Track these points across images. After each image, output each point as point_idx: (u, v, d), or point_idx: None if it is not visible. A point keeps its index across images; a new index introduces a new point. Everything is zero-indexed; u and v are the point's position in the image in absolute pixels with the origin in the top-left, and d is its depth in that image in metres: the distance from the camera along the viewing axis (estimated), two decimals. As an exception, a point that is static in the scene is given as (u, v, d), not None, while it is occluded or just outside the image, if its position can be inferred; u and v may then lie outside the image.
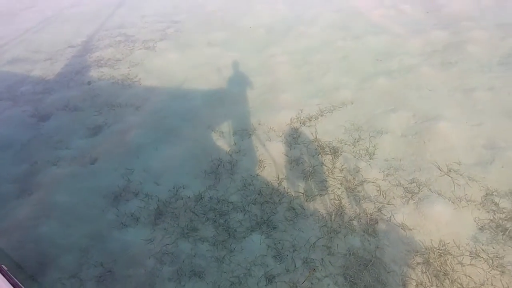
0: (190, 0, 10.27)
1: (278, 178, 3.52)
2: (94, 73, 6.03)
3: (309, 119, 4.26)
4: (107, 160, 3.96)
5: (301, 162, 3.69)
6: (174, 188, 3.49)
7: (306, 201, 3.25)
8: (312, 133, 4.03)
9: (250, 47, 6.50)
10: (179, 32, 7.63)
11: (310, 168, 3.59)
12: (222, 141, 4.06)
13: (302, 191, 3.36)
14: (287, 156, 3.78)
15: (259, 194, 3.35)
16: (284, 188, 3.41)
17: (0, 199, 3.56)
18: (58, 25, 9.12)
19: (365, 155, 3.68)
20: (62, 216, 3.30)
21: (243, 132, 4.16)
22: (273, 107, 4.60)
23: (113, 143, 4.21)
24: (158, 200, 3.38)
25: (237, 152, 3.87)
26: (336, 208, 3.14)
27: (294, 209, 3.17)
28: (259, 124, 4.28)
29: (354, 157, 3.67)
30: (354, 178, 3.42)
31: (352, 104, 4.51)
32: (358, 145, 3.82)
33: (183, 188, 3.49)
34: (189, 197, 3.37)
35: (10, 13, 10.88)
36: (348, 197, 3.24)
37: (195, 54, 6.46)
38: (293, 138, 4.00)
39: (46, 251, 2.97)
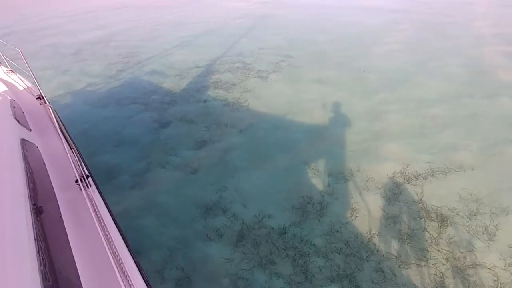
0: (305, 37, 10.78)
1: (370, 232, 3.23)
2: (211, 93, 6.77)
3: (416, 177, 3.84)
4: (206, 174, 4.30)
5: (399, 222, 3.32)
6: (259, 215, 3.54)
7: (399, 266, 2.87)
8: (417, 193, 3.61)
9: (360, 90, 6.36)
10: (291, 66, 8.02)
11: (409, 231, 3.20)
12: (316, 180, 3.98)
13: (395, 253, 2.99)
14: (384, 211, 3.45)
15: (345, 244, 3.12)
16: (375, 245, 3.10)
17: (119, 187, 4.19)
18: (192, 48, 10.67)
19: (483, 233, 3.09)
20: (160, 214, 3.68)
21: (340, 175, 4.00)
22: (376, 156, 4.33)
23: (214, 159, 4.57)
24: (243, 223, 3.46)
25: (329, 194, 3.72)
26: (436, 286, 2.68)
27: (383, 271, 2.83)
28: (358, 170, 4.06)
29: (468, 232, 3.12)
30: (465, 258, 2.89)
31: (472, 170, 3.90)
32: (475, 219, 3.24)
33: (268, 218, 3.51)
34: (272, 228, 3.36)
35: (179, 23, 13.29)
36: (454, 278, 2.74)
37: (303, 89, 6.65)
38: (394, 194, 3.65)
39: (141, 241, 3.33)
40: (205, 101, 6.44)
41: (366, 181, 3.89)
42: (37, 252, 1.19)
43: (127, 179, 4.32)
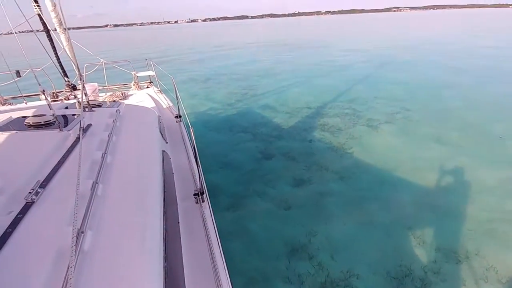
0: (430, 91, 9.97)
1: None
2: (316, 134, 6.84)
3: None
4: (299, 213, 4.27)
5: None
6: (347, 272, 3.28)
7: None
8: None
9: (492, 159, 5.42)
10: (407, 120, 7.48)
11: None
12: (421, 251, 3.49)
13: None
14: (508, 316, 2.75)
15: None
16: None
17: (216, 205, 4.53)
18: (305, 88, 11.14)
19: None
20: (247, 242, 3.79)
21: (451, 254, 3.41)
22: (505, 242, 3.55)
23: (309, 200, 4.52)
24: (328, 276, 3.26)
25: (435, 273, 3.19)
26: None
27: None
28: (476, 254, 3.39)
29: None
30: None
31: None
32: None
33: (357, 278, 3.21)
34: (359, 292, 3.06)
35: (346, 65, 14.40)
36: None
37: (418, 145, 6.08)
38: (526, 297, 2.89)
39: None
40: (310, 141, 6.54)
41: (487, 269, 3.20)
42: (164, 251, 1.39)
43: (225, 200, 4.64)
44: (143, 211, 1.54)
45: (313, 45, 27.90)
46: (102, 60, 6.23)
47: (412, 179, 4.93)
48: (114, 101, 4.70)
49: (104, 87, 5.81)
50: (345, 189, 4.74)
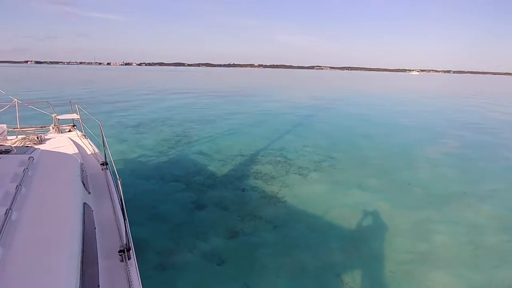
0: (350, 141, 11.08)
1: None
2: (250, 183, 6.90)
3: (471, 321, 3.27)
4: (232, 267, 4.08)
5: None
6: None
7: None
8: None
9: (404, 204, 6.07)
10: (332, 168, 8.08)
11: None
12: (350, 299, 3.56)
13: None
14: None
15: None
16: None
17: (142, 263, 4.07)
18: (239, 136, 11.42)
19: None
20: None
21: (377, 300, 3.55)
22: (420, 282, 3.85)
23: (243, 253, 4.37)
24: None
25: (364, 322, 3.25)
26: None
27: None
28: (399, 297, 3.59)
29: None
30: None
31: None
32: None
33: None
34: None
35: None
36: None
37: (343, 193, 6.53)
38: (443, 338, 3.09)
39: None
40: (243, 189, 6.54)
41: (409, 313, 3.38)
42: None
43: (152, 257, 4.23)
44: (52, 279, 1.29)
45: (246, 94, 29.42)
46: (14, 99, 5.58)
47: (339, 225, 5.19)
48: (27, 146, 4.15)
49: (15, 129, 5.13)
50: (278, 239, 4.74)
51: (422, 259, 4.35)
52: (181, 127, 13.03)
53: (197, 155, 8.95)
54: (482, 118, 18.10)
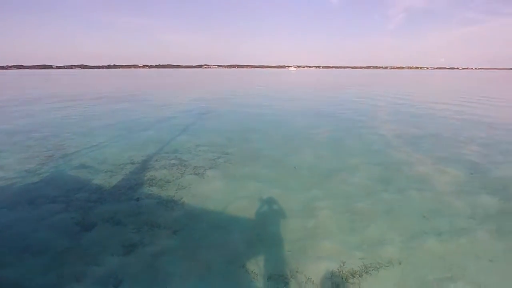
0: (241, 136, 11.57)
1: None
2: (144, 190, 6.45)
3: (352, 275, 3.87)
4: (132, 285, 3.74)
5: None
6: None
7: None
8: (356, 293, 3.59)
9: (294, 187, 6.71)
10: (228, 163, 8.28)
11: None
12: (256, 285, 3.73)
13: None
14: (326, 318, 3.29)
15: None
16: None
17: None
18: (127, 142, 10.49)
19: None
20: None
21: (280, 278, 3.83)
22: (313, 255, 4.33)
23: (143, 267, 4.06)
24: None
25: (270, 302, 3.47)
26: None
27: None
28: (296, 271, 3.96)
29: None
30: None
31: (400, 264, 4.11)
32: (412, 319, 3.26)
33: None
34: None
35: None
36: None
37: (240, 186, 6.77)
38: (334, 296, 3.57)
39: None
40: (137, 199, 6.06)
41: (306, 283, 3.77)
42: None
43: (28, 301, 3.50)
44: None
45: (131, 98, 27.29)
46: None
47: (240, 218, 5.38)
48: None
49: None
50: (180, 243, 4.59)
51: (312, 234, 4.90)
52: (53, 139, 11.15)
53: (77, 169, 7.82)
54: (346, 105, 21.54)
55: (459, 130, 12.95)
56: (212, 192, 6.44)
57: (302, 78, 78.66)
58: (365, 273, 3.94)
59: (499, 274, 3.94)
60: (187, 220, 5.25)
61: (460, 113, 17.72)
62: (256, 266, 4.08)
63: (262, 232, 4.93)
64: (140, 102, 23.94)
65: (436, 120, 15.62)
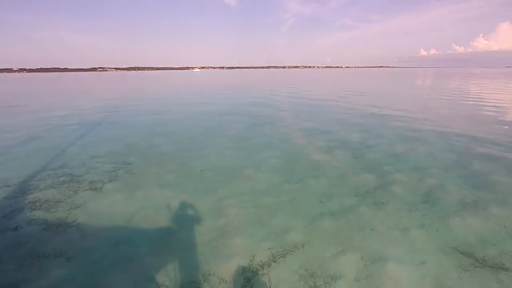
0: (142, 142, 10.87)
1: None
2: (24, 217, 5.46)
3: (262, 267, 4.07)
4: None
5: (255, 320, 3.30)
6: None
7: None
8: (266, 284, 3.78)
9: (200, 189, 6.64)
10: (129, 173, 7.68)
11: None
12: (166, 298, 3.58)
13: None
14: (240, 313, 3.38)
15: None
16: None
17: None
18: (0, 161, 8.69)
19: (323, 306, 3.45)
20: None
21: (191, 285, 3.75)
22: (224, 254, 4.39)
23: (28, 307, 3.45)
24: None
25: (182, 312, 3.37)
26: None
27: None
28: (209, 274, 3.95)
29: (312, 309, 3.41)
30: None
31: (303, 247, 4.52)
32: (314, 294, 3.62)
33: None
34: None
35: None
36: None
37: (144, 195, 6.36)
38: (246, 291, 3.69)
39: None
40: (15, 228, 5.10)
41: (219, 284, 3.81)
42: None
43: None
44: None
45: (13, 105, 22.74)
46: None
47: (145, 229, 5.06)
48: None
49: None
50: (76, 270, 4.05)
51: (223, 232, 4.96)
52: None
53: None
54: (252, 103, 22.43)
55: (344, 120, 14.91)
56: (112, 206, 5.89)
57: (205, 79, 78.45)
58: (273, 262, 4.19)
59: (378, 239, 4.71)
60: (83, 242, 4.67)
61: (346, 104, 20.43)
62: (167, 278, 3.91)
63: (171, 240, 4.75)
64: (27, 113, 20.13)
65: (326, 113, 17.63)
